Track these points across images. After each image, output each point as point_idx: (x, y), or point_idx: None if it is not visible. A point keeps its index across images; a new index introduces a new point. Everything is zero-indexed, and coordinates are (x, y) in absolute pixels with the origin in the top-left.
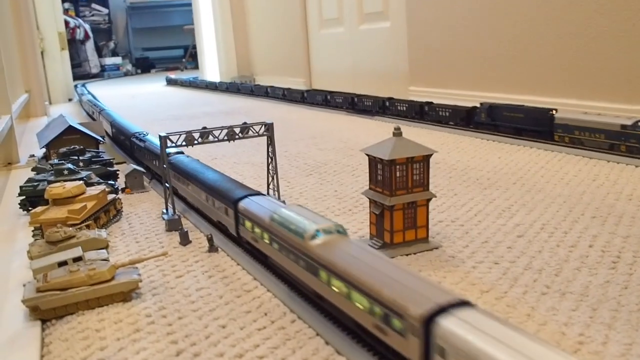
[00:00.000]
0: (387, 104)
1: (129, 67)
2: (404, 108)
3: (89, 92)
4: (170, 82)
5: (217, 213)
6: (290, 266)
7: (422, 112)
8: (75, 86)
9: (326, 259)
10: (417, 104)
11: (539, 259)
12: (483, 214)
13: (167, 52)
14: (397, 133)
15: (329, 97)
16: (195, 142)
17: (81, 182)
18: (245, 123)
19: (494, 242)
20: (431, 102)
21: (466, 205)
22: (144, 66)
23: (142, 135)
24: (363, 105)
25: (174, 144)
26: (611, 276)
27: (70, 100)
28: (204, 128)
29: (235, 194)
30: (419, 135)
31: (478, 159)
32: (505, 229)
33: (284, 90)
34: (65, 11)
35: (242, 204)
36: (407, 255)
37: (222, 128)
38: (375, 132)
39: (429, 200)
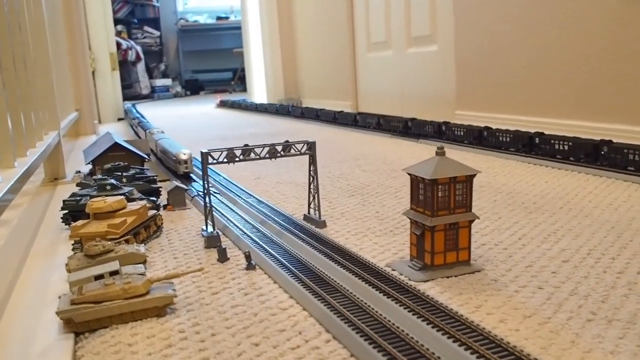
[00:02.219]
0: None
1: (179, 88)
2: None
3: (135, 109)
4: (220, 104)
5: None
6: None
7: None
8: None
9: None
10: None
11: (585, 284)
12: (527, 238)
13: (216, 74)
14: (440, 152)
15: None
16: (237, 159)
17: (122, 197)
18: (287, 141)
19: (538, 267)
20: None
21: (510, 228)
22: (193, 88)
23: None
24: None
25: (215, 160)
26: None
27: (120, 119)
28: (246, 145)
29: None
30: (465, 158)
31: (524, 183)
32: (550, 253)
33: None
34: (118, 33)
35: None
36: (447, 277)
37: (264, 146)
38: (420, 154)
39: (471, 221)
